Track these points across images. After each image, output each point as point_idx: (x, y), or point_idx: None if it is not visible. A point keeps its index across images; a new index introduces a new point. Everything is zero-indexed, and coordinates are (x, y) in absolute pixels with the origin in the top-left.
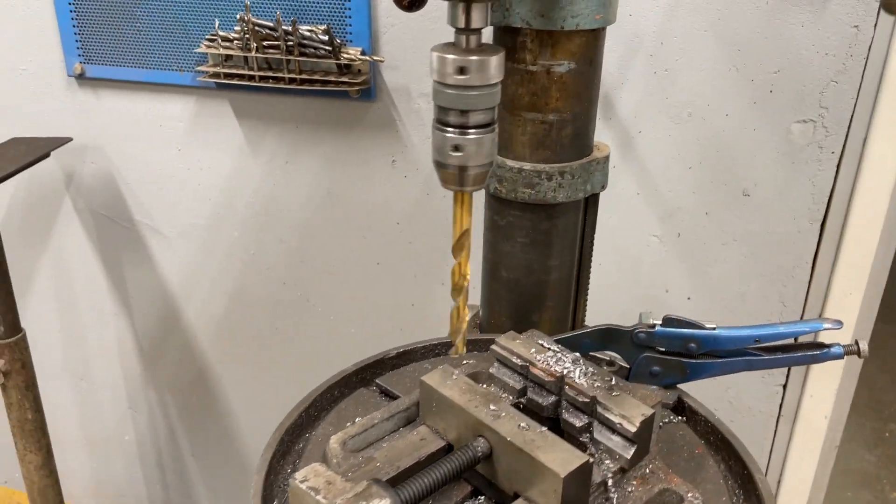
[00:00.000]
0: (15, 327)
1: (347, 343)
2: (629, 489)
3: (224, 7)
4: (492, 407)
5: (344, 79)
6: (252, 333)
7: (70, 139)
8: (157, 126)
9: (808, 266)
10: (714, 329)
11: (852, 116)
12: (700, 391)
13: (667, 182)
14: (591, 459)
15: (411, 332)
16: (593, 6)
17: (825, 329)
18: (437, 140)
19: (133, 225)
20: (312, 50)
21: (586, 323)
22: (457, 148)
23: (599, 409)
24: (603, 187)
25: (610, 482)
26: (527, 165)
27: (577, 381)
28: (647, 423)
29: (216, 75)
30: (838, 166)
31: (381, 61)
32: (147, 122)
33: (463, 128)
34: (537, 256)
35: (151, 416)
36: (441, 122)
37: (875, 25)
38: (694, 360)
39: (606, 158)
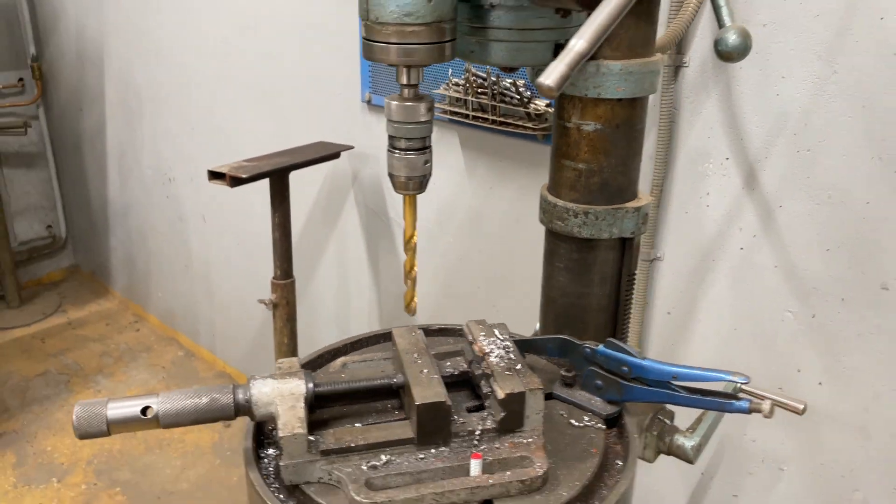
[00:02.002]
0: (288, 274)
1: None
2: (497, 445)
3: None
4: (417, 358)
5: (530, 124)
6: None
7: (352, 147)
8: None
9: None
10: (644, 360)
11: None
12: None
13: (804, 260)
14: (448, 402)
15: None
16: (614, 81)
17: (731, 381)
18: (388, 159)
19: (388, 220)
20: (510, 98)
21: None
22: (400, 163)
23: (491, 381)
24: (633, 233)
25: (478, 432)
26: (559, 202)
27: (491, 359)
28: (516, 398)
29: (446, 112)
30: None
31: None
32: None
33: (404, 150)
34: (570, 281)
35: None
36: (391, 146)
37: None
38: (626, 382)
39: (637, 210)
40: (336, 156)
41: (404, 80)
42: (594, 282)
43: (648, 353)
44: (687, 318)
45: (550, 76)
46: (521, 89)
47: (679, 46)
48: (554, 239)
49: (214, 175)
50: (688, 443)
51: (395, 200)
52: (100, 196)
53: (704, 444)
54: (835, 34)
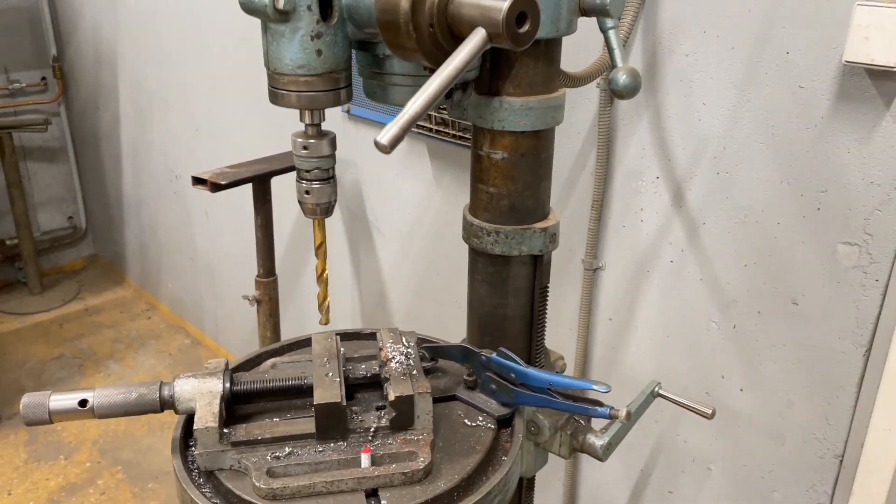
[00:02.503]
0: (270, 272)
1: None
2: (389, 441)
3: None
4: (326, 362)
5: None
6: (428, 320)
7: None
8: (388, 155)
9: (853, 390)
10: (526, 368)
11: None
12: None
13: (726, 274)
14: (343, 402)
15: None
16: (515, 115)
17: (594, 389)
18: (297, 187)
19: (367, 223)
20: None
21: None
22: (308, 192)
23: (387, 385)
24: (541, 251)
25: (373, 429)
26: (476, 221)
27: (392, 365)
28: (406, 400)
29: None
30: (884, 296)
31: None
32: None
33: (310, 181)
34: (488, 293)
35: None
36: (298, 177)
37: None
38: (514, 388)
39: (545, 230)
40: None
41: (307, 121)
42: (509, 293)
43: (593, 355)
44: (626, 325)
45: (385, 136)
46: None
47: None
48: (473, 254)
49: (198, 181)
50: (598, 441)
51: (374, 205)
52: (116, 190)
53: (615, 444)
54: (747, 66)
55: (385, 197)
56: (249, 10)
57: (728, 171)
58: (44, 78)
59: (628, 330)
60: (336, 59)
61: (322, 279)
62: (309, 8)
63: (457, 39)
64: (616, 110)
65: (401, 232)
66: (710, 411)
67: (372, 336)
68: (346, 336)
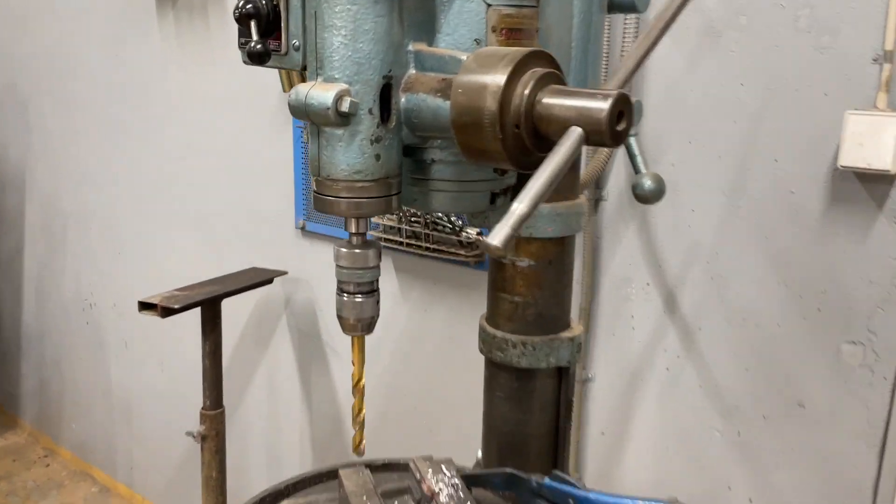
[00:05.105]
0: (218, 403)
1: None
2: None
3: None
4: (366, 501)
5: (462, 251)
6: (391, 449)
7: (286, 272)
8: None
9: (868, 492)
10: (589, 492)
11: None
12: None
13: (726, 379)
14: None
15: None
16: (544, 221)
17: None
18: (338, 302)
19: (322, 344)
20: (443, 227)
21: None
22: (349, 307)
23: None
24: (569, 363)
25: None
26: (499, 333)
27: (442, 499)
28: None
29: (380, 239)
30: (893, 392)
31: None
32: None
33: (352, 294)
34: (511, 410)
35: None
36: (340, 290)
37: None
38: None
39: (571, 339)
40: (269, 281)
41: (353, 230)
42: (534, 410)
43: (585, 473)
44: (620, 438)
45: (496, 237)
46: (452, 219)
47: (598, 183)
48: (494, 368)
49: (145, 306)
50: None
51: (329, 323)
52: (13, 321)
53: None
54: (736, 173)
55: None
56: (305, 114)
57: (722, 275)
58: None
59: (623, 443)
60: (392, 163)
61: (358, 420)
62: (370, 111)
63: (541, 140)
64: (601, 218)
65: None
66: None
67: (399, 466)
68: (372, 468)
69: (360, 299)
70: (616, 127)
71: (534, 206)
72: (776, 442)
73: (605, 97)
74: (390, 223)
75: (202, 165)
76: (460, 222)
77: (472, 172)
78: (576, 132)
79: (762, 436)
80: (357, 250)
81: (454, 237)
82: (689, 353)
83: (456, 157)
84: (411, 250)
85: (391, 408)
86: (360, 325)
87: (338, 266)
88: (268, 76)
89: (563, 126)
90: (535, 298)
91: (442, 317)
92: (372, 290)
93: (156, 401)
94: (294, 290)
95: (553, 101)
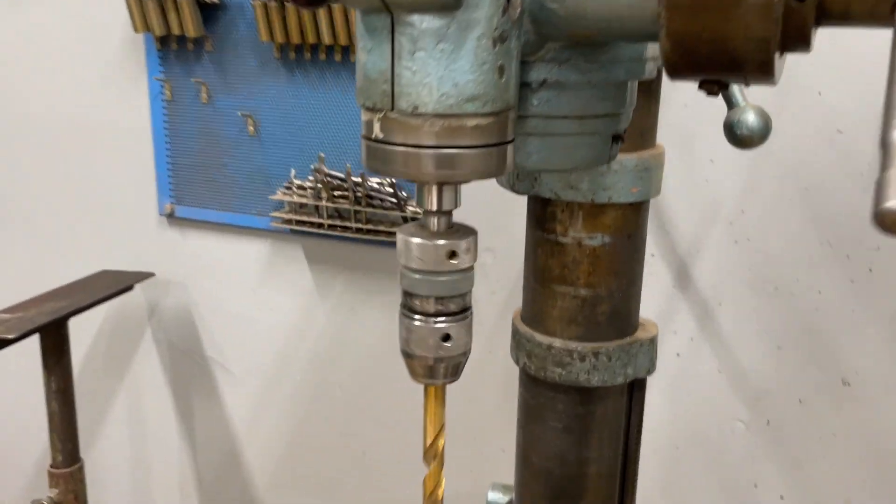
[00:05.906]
0: (73, 457)
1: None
2: None
3: (302, 158)
4: None
5: None
6: (311, 482)
7: (153, 274)
8: (233, 267)
9: None
10: None
11: None
12: None
13: (752, 362)
14: None
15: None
16: (628, 179)
17: None
18: (402, 329)
19: (205, 360)
20: (379, 202)
21: None
22: (425, 338)
23: None
24: (648, 371)
25: None
26: (557, 342)
27: None
28: None
29: (289, 221)
30: None
31: None
32: (225, 263)
33: (433, 316)
34: (571, 445)
35: None
36: (407, 309)
37: None
38: None
39: (651, 340)
40: (129, 288)
41: (434, 206)
42: (602, 442)
43: None
44: None
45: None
46: (392, 190)
47: None
48: (548, 393)
49: None
50: None
51: (212, 334)
52: None
53: None
54: (768, 111)
55: (235, 324)
56: None
57: (749, 237)
58: None
59: None
60: (514, 84)
61: (433, 498)
62: None
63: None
64: None
65: (262, 368)
66: None
67: None
68: None
69: (443, 325)
70: None
71: None
72: (814, 428)
73: None
74: (302, 199)
75: (22, 142)
76: (404, 194)
77: (595, 102)
78: None
79: (797, 423)
80: (441, 241)
81: (398, 212)
82: (705, 333)
83: (582, 73)
84: (334, 233)
85: (302, 442)
86: (441, 368)
87: (405, 268)
88: (106, 13)
89: None
90: (609, 290)
91: (374, 318)
92: (465, 308)
93: None
94: (162, 296)
95: None
